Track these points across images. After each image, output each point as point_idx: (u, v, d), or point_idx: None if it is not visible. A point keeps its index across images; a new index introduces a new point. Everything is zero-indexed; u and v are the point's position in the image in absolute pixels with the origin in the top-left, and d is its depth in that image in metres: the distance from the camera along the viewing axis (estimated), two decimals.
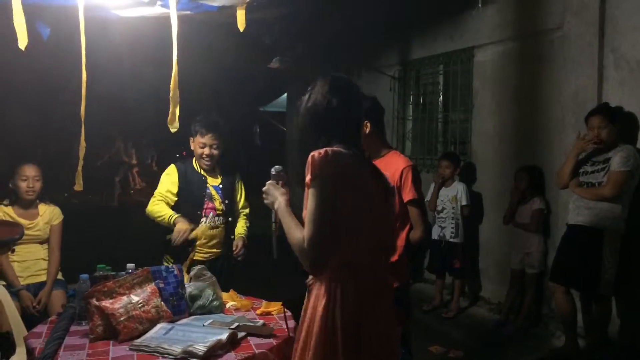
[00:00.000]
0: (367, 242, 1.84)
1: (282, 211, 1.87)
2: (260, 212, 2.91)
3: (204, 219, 3.34)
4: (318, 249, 1.71)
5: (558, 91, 4.45)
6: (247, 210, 3.62)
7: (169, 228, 3.22)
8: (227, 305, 2.67)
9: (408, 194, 2.82)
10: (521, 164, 4.75)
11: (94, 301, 2.22)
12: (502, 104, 5.11)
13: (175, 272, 2.53)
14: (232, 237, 3.48)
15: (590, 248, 3.69)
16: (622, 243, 3.68)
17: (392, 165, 2.83)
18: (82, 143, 2.65)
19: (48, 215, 3.66)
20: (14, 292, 3.38)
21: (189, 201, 3.33)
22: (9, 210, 3.57)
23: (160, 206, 3.29)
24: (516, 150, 4.98)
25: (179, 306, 2.46)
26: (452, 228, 5.12)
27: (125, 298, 2.28)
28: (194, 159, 3.41)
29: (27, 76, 8.70)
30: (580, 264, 3.72)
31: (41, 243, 3.65)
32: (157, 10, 3.25)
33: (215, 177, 3.44)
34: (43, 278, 3.60)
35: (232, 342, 2.16)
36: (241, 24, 3.34)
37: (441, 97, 6.06)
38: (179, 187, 3.34)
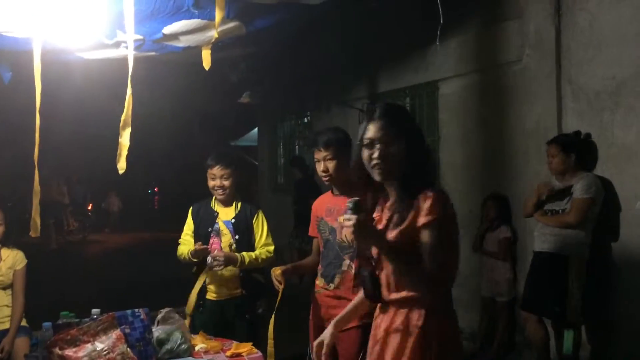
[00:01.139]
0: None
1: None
2: None
3: (209, 258, 3.20)
4: (445, 275, 1.87)
5: (521, 122, 4.57)
6: (270, 248, 3.35)
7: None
8: (196, 348, 2.62)
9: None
10: (488, 192, 4.83)
11: (57, 350, 2.17)
12: (468, 134, 5.22)
13: (142, 316, 2.49)
14: (256, 277, 3.30)
15: (556, 275, 3.75)
16: (587, 269, 3.75)
17: None
18: (36, 188, 2.57)
19: (11, 260, 3.58)
20: None
21: (199, 239, 3.28)
22: None
23: (181, 248, 3.33)
24: (484, 179, 5.07)
25: (145, 352, 2.41)
26: None
27: (89, 345, 2.23)
28: (213, 196, 3.39)
29: None
30: (549, 292, 3.77)
31: (4, 289, 3.55)
32: (121, 52, 3.26)
33: (229, 211, 3.36)
34: (7, 325, 3.50)
35: None
36: (207, 64, 3.37)
37: None
38: (194, 226, 3.36)
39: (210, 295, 3.29)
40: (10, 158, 11.46)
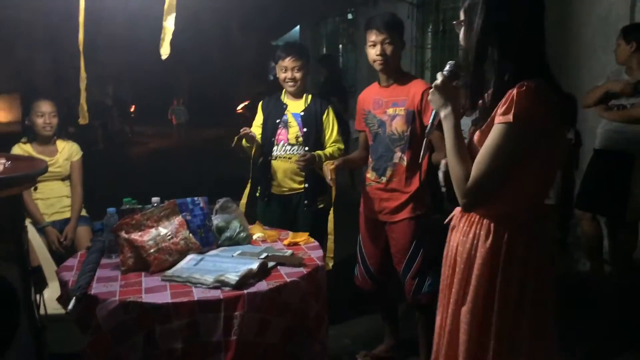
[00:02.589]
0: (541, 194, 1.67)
1: (450, 125, 1.59)
2: None
3: (275, 148, 3.22)
4: (481, 191, 1.54)
5: (589, 8, 4.23)
6: (340, 145, 3.26)
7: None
8: (254, 237, 2.65)
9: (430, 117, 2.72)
10: None
11: (123, 234, 2.20)
12: None
13: (201, 205, 2.50)
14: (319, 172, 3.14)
15: (618, 173, 3.61)
16: None
17: (411, 89, 2.75)
18: (82, 74, 2.53)
19: (67, 151, 3.64)
20: (40, 229, 3.40)
21: (266, 129, 3.27)
22: (28, 147, 3.54)
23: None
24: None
25: (206, 238, 2.45)
26: None
27: (153, 230, 2.26)
28: (284, 89, 3.32)
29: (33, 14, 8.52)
30: (608, 190, 3.65)
31: (63, 180, 3.64)
32: None
33: (299, 104, 3.27)
34: (67, 215, 3.62)
35: (263, 272, 2.14)
36: None
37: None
38: (263, 118, 3.32)
39: (275, 189, 3.28)
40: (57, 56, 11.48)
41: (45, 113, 3.50)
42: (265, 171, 3.27)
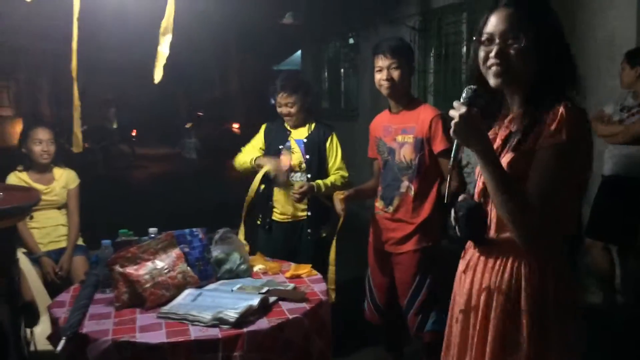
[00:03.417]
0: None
1: (491, 158, 1.39)
2: None
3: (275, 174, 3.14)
4: (548, 222, 1.39)
5: (593, 32, 4.18)
6: (344, 173, 3.18)
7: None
8: (255, 269, 2.56)
9: (439, 145, 2.64)
10: None
11: (118, 268, 2.11)
12: None
13: (200, 236, 2.42)
14: (323, 201, 3.14)
15: (629, 200, 3.52)
16: None
17: (420, 116, 2.69)
18: (76, 102, 2.45)
19: (64, 179, 3.56)
20: (35, 259, 3.31)
21: (268, 155, 3.21)
22: (24, 175, 3.47)
23: (246, 155, 3.24)
24: None
25: (205, 271, 2.35)
26: None
27: (149, 264, 2.17)
28: None
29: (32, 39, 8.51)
30: (619, 218, 3.55)
31: (59, 208, 3.56)
32: None
33: (302, 131, 3.22)
34: (64, 244, 3.53)
35: (264, 308, 2.05)
36: None
37: (464, 48, 5.79)
38: (265, 143, 3.28)
39: (276, 216, 3.20)
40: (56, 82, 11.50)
41: (43, 140, 3.44)
42: (267, 198, 3.20)
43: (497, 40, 1.46)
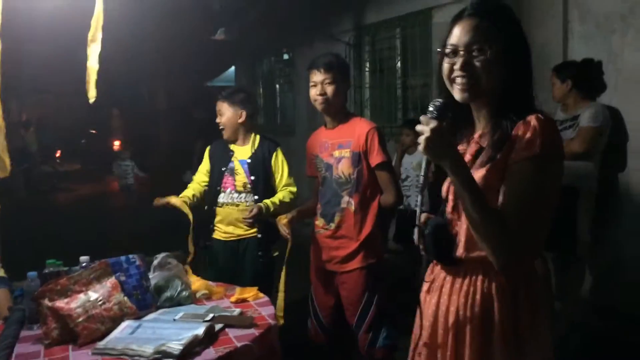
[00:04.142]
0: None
1: (465, 175, 1.31)
2: None
3: (222, 195, 3.09)
4: (529, 241, 1.33)
5: None
6: (292, 188, 3.11)
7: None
8: (198, 295, 2.42)
9: (376, 158, 2.63)
10: None
11: (47, 302, 1.93)
12: None
13: (137, 263, 2.25)
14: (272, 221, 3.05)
15: (565, 209, 3.62)
16: (595, 203, 3.63)
17: (356, 130, 2.67)
18: (0, 122, 2.28)
19: None
20: None
21: (212, 177, 3.17)
22: None
23: (185, 192, 3.19)
24: None
25: (144, 300, 2.19)
26: (417, 196, 4.97)
27: (82, 296, 2.00)
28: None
29: None
30: (556, 226, 3.64)
31: None
32: None
33: (246, 150, 3.14)
34: None
35: (210, 337, 1.92)
36: None
37: (399, 63, 5.88)
38: (210, 164, 3.22)
39: (220, 235, 3.12)
40: None
41: None
42: (208, 219, 3.13)
43: (461, 52, 1.39)
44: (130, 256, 2.25)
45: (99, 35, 2.28)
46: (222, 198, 3.10)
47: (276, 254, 3.09)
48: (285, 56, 8.37)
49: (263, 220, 3.01)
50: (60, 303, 1.94)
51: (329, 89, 2.62)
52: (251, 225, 3.00)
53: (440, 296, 1.50)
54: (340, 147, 2.69)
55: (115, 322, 2.01)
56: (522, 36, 1.43)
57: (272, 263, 3.08)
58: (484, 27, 1.38)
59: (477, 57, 1.38)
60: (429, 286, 1.57)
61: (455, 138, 1.50)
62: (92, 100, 2.34)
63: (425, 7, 5.30)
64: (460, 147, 1.51)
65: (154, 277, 2.34)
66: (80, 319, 1.93)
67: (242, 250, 3.09)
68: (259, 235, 3.07)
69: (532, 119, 1.32)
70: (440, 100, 1.38)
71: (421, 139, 1.30)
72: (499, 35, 1.37)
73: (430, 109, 1.36)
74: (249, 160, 3.10)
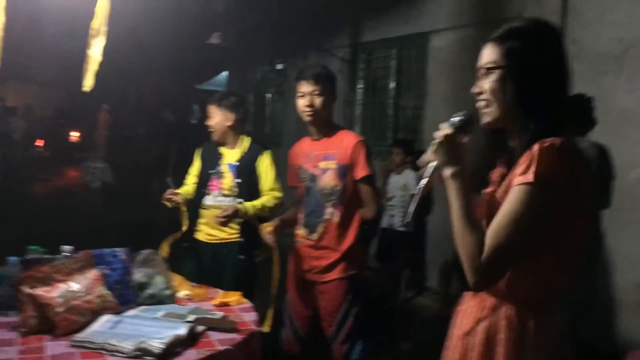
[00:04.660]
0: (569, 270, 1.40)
1: (458, 186, 1.34)
2: None
3: (208, 197, 3.08)
4: (498, 265, 1.29)
5: None
6: (277, 193, 3.08)
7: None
8: (179, 295, 2.37)
9: (361, 171, 2.63)
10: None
11: (27, 289, 1.87)
12: (457, 91, 5.03)
13: (122, 257, 2.21)
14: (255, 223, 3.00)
15: None
16: None
17: (343, 142, 2.66)
18: None
19: None
20: None
21: (200, 179, 3.16)
22: None
23: (183, 189, 3.20)
24: (471, 140, 4.91)
25: (125, 295, 2.15)
26: (401, 216, 5.00)
27: (63, 285, 1.95)
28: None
29: None
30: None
31: None
32: None
33: (235, 153, 3.13)
34: None
35: (192, 338, 1.88)
36: None
37: (393, 83, 5.93)
38: (200, 166, 3.21)
39: (203, 237, 3.09)
40: None
41: None
42: (192, 219, 3.09)
43: (482, 72, 1.41)
44: (116, 249, 2.21)
45: (103, 28, 2.27)
46: (207, 200, 3.08)
47: (260, 259, 3.07)
48: (279, 66, 8.38)
49: (243, 222, 2.99)
50: (41, 291, 1.89)
51: (317, 101, 2.62)
52: (224, 224, 2.90)
53: (460, 319, 1.53)
54: (325, 158, 2.68)
55: (95, 315, 1.96)
56: (537, 58, 1.36)
57: (254, 268, 3.06)
58: (511, 49, 1.37)
59: (498, 79, 1.38)
60: (460, 307, 1.57)
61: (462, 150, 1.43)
62: (88, 88, 2.31)
63: (423, 30, 5.36)
64: (497, 170, 1.50)
65: (137, 273, 2.29)
66: (60, 309, 1.88)
67: (225, 253, 3.06)
68: (241, 240, 3.04)
69: (536, 146, 1.28)
70: (464, 113, 1.41)
71: (434, 142, 1.36)
72: (524, 57, 1.36)
73: (452, 119, 1.40)
74: (237, 164, 3.10)
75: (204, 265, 3.05)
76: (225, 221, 2.88)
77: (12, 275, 1.99)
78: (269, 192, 3.07)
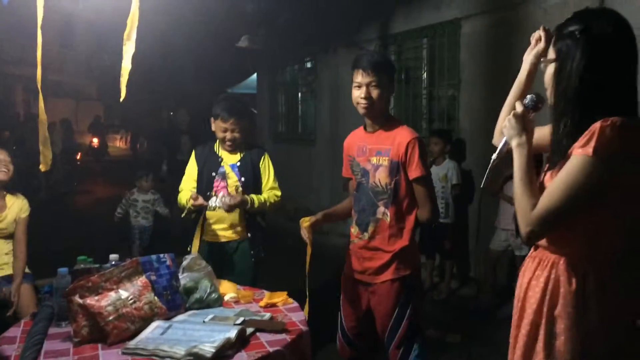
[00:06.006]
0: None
1: (524, 153, 1.55)
2: None
3: (214, 199, 3.15)
4: (548, 221, 1.46)
5: None
6: (276, 192, 3.25)
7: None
8: (226, 298, 2.38)
9: (415, 171, 2.46)
10: None
11: (77, 299, 1.90)
12: (491, 77, 4.91)
13: (168, 262, 2.22)
14: (259, 221, 3.28)
15: None
16: None
17: (397, 138, 2.48)
18: (42, 116, 2.23)
19: (17, 208, 3.35)
20: None
21: (202, 183, 3.21)
22: None
23: (182, 196, 3.23)
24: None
25: (173, 301, 2.16)
26: (442, 208, 4.91)
27: (113, 294, 1.97)
28: (217, 140, 3.27)
29: None
30: None
31: (5, 238, 3.30)
32: None
33: (235, 155, 3.24)
34: (7, 272, 3.26)
35: (241, 340, 1.88)
36: None
37: (425, 72, 5.83)
38: (198, 171, 3.26)
39: (210, 237, 3.20)
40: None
41: (1, 161, 3.24)
42: (198, 222, 3.21)
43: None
44: (161, 255, 2.22)
45: (134, 35, 2.26)
46: (214, 202, 3.15)
47: (263, 254, 3.24)
48: (308, 64, 8.35)
49: (249, 219, 3.18)
50: (91, 300, 1.91)
51: (375, 93, 2.44)
52: (229, 210, 3.03)
53: (523, 277, 1.66)
54: (378, 153, 2.53)
55: (146, 321, 1.98)
56: (616, 48, 1.47)
57: (258, 263, 3.23)
58: (572, 41, 1.53)
59: (564, 65, 1.54)
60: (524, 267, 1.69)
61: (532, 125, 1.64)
62: (122, 99, 2.32)
63: (455, 17, 5.25)
64: None
65: (183, 278, 2.31)
66: (111, 318, 1.90)
67: (231, 251, 3.19)
68: (249, 235, 3.20)
69: (599, 122, 1.40)
70: (536, 93, 1.64)
71: (509, 117, 1.61)
72: (587, 48, 1.49)
73: (525, 100, 1.65)
74: (239, 164, 3.21)
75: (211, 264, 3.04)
76: (233, 206, 3.00)
77: (62, 286, 2.02)
78: (269, 190, 3.23)
